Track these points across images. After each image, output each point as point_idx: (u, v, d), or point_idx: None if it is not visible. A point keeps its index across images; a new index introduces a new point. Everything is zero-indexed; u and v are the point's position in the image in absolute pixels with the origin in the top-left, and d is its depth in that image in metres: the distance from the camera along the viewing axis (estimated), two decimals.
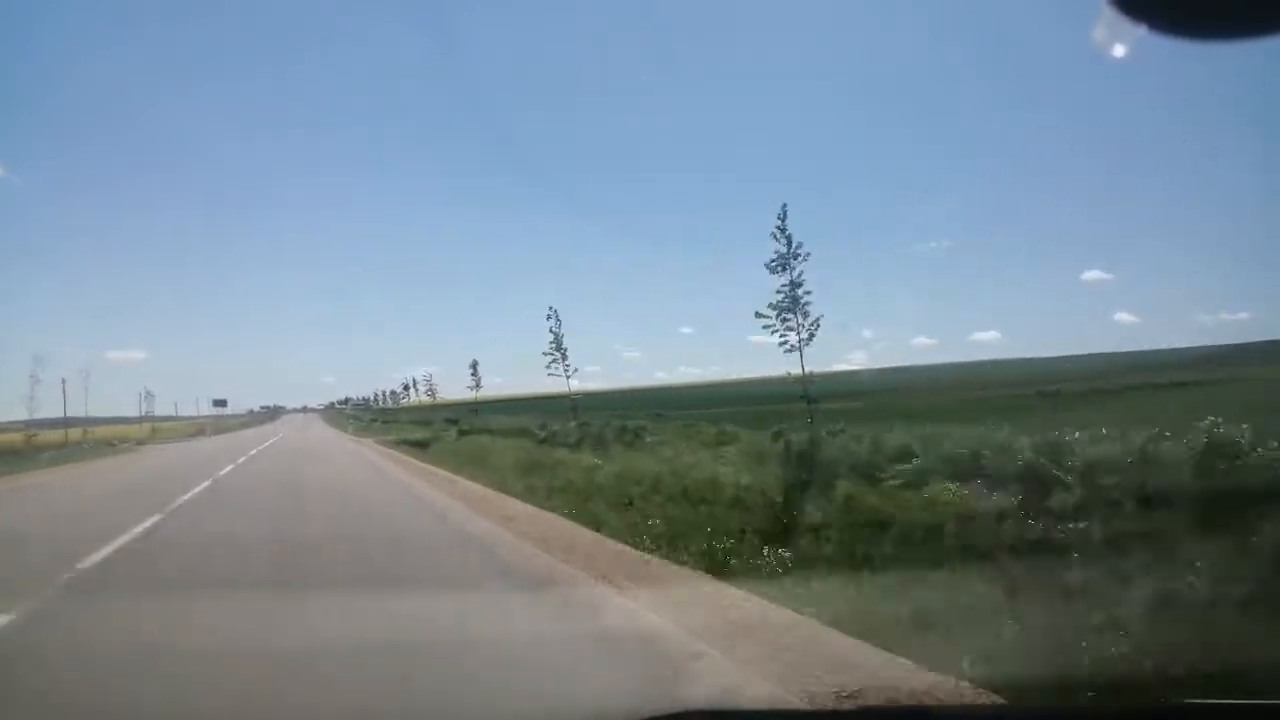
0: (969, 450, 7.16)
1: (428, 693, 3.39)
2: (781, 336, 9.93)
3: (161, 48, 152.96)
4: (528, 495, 10.96)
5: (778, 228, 9.83)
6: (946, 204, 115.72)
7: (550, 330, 19.22)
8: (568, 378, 18.72)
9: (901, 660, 3.39)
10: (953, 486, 6.54)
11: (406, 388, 52.61)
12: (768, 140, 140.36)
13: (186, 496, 12.92)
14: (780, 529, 6.29)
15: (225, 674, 3.65)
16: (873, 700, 2.99)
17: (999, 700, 2.96)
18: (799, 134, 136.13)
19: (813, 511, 6.57)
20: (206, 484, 15.19)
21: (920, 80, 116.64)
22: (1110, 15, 1.21)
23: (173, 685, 3.54)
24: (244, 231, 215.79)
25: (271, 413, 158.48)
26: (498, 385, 50.87)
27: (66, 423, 53.19)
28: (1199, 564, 4.02)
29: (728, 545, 5.88)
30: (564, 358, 18.35)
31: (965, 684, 3.07)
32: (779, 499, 7.26)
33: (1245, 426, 5.78)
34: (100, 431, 47.49)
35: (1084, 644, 3.37)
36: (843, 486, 6.98)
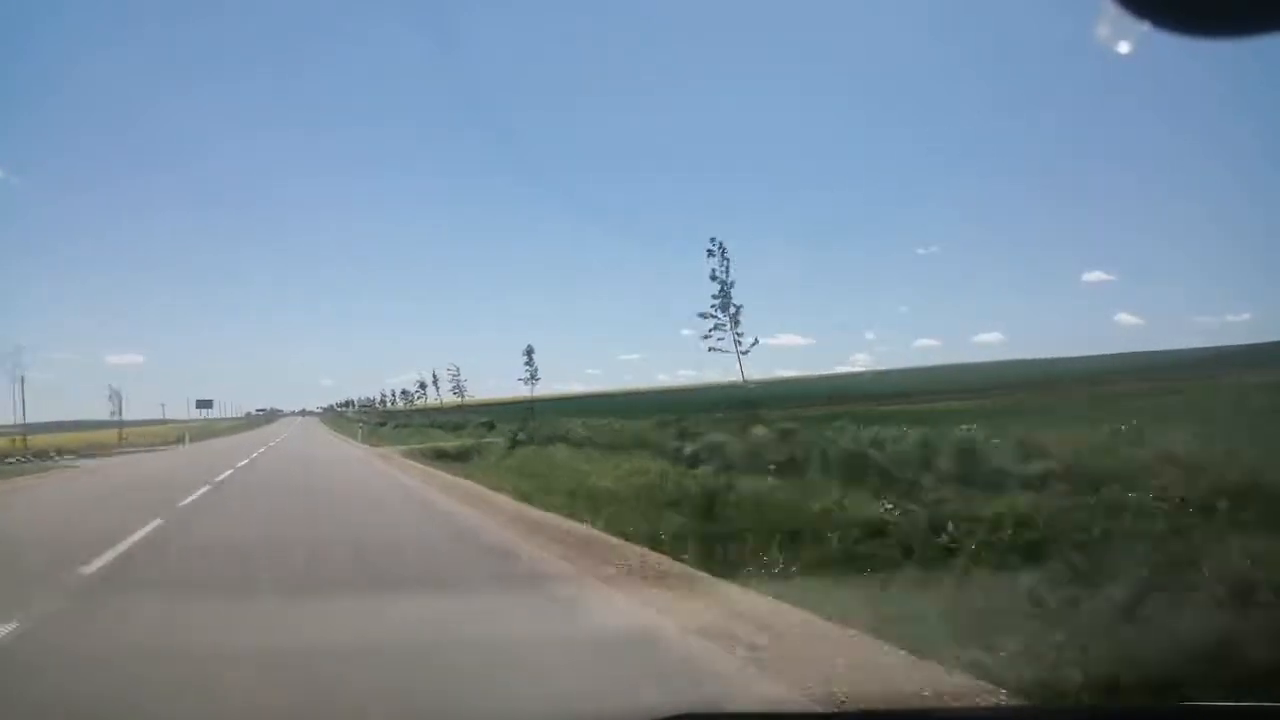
0: None
1: None
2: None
3: (157, 49, 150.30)
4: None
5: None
6: (948, 205, 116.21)
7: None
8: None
9: None
10: None
11: (424, 385, 44.89)
12: (768, 140, 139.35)
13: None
14: None
15: None
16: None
17: (999, 700, 3.04)
18: (799, 134, 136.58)
19: None
20: (104, 561, 7.23)
21: (921, 80, 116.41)
22: (1113, 12, 1.22)
23: None
24: (243, 233, 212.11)
25: (268, 415, 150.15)
26: (492, 389, 44.64)
27: (26, 429, 45.66)
28: None
29: None
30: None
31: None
32: None
33: None
34: (57, 439, 39.54)
35: None
36: None
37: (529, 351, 31.59)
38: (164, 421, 74.49)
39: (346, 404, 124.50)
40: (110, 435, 53.71)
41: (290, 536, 8.89)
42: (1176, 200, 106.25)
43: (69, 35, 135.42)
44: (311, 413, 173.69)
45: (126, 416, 78.10)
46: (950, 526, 5.68)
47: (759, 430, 13.15)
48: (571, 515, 9.19)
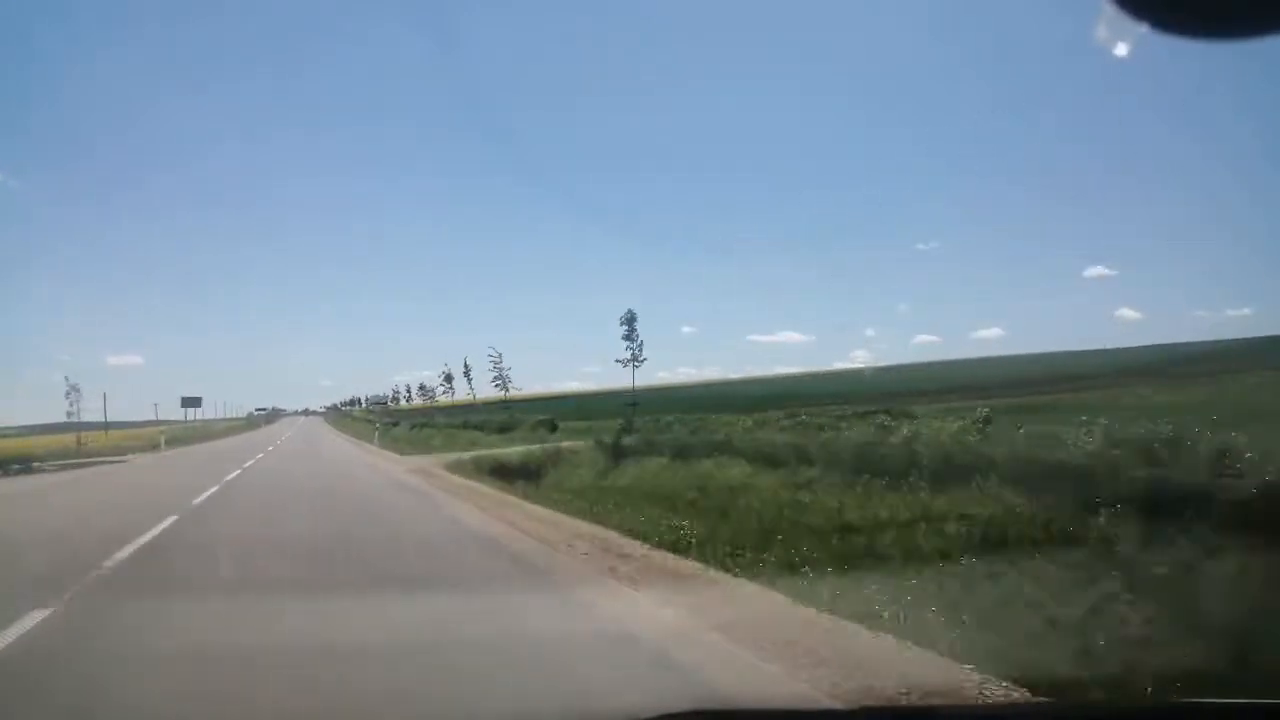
0: None
1: None
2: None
3: (155, 51, 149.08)
4: None
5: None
6: (948, 201, 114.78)
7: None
8: None
9: None
10: None
11: (449, 378, 37.41)
12: (768, 139, 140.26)
13: None
14: None
15: None
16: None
17: (1000, 699, 3.03)
18: (799, 132, 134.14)
19: None
20: None
21: (922, 79, 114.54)
22: (1111, 13, 1.21)
23: None
24: (243, 233, 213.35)
25: (269, 415, 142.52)
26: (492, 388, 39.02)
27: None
28: None
29: None
30: None
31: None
32: None
33: None
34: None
35: None
36: None
37: (629, 321, 23.41)
38: (156, 423, 66.93)
39: (352, 402, 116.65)
40: (91, 438, 46.55)
41: None
42: (1176, 195, 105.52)
43: (67, 38, 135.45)
44: (315, 412, 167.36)
45: (122, 418, 71.30)
46: None
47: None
48: None
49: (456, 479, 15.35)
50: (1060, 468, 6.94)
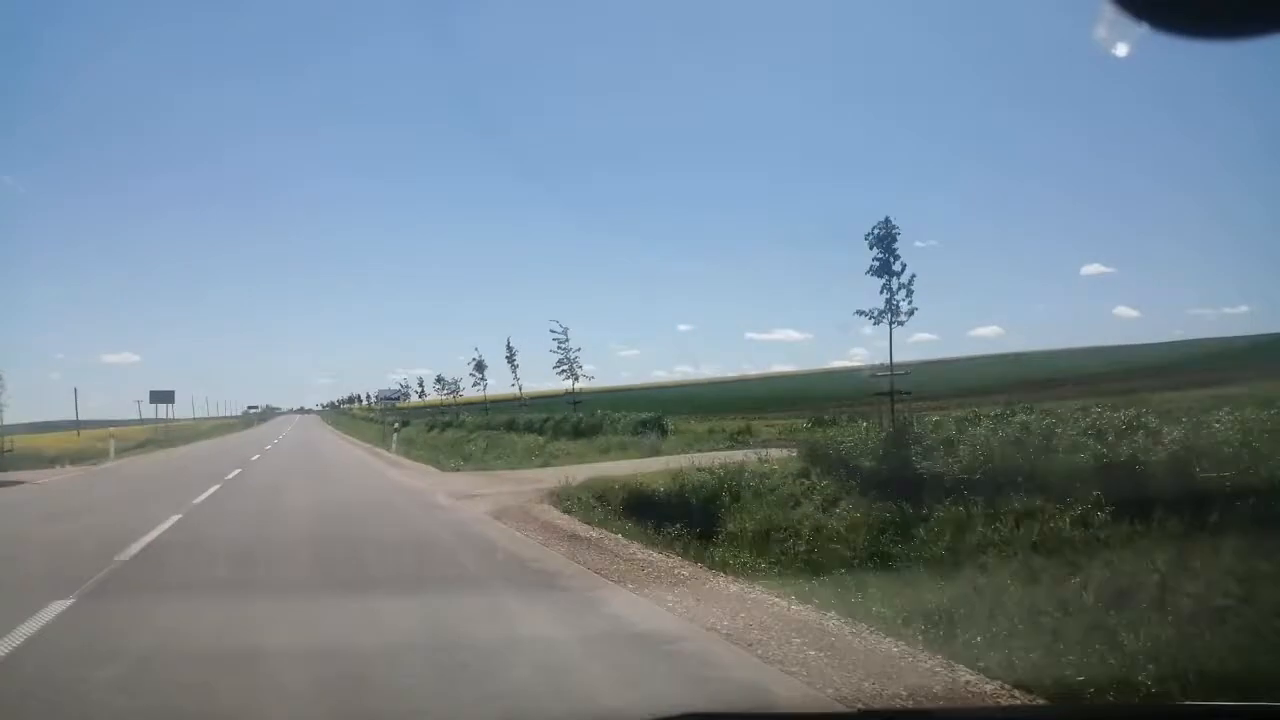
0: None
1: None
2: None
3: (153, 50, 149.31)
4: None
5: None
6: (946, 199, 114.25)
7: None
8: None
9: None
10: None
11: (481, 367, 29.71)
12: (766, 136, 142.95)
13: None
14: None
15: None
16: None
17: (1000, 700, 3.10)
18: (798, 130, 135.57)
19: None
20: None
21: (921, 76, 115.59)
22: (1111, 13, 1.21)
23: None
24: (242, 232, 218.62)
25: (263, 414, 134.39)
26: (492, 386, 34.16)
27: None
28: None
29: None
30: None
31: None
32: None
33: None
34: None
35: None
36: None
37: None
38: (141, 422, 59.69)
39: (351, 399, 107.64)
40: (52, 439, 39.00)
41: None
42: (1175, 194, 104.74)
43: (67, 39, 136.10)
44: (311, 410, 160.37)
45: (119, 416, 63.46)
46: None
47: None
48: None
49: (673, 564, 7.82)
50: None
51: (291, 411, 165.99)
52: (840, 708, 3.07)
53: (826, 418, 14.10)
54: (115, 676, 3.82)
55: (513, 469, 15.44)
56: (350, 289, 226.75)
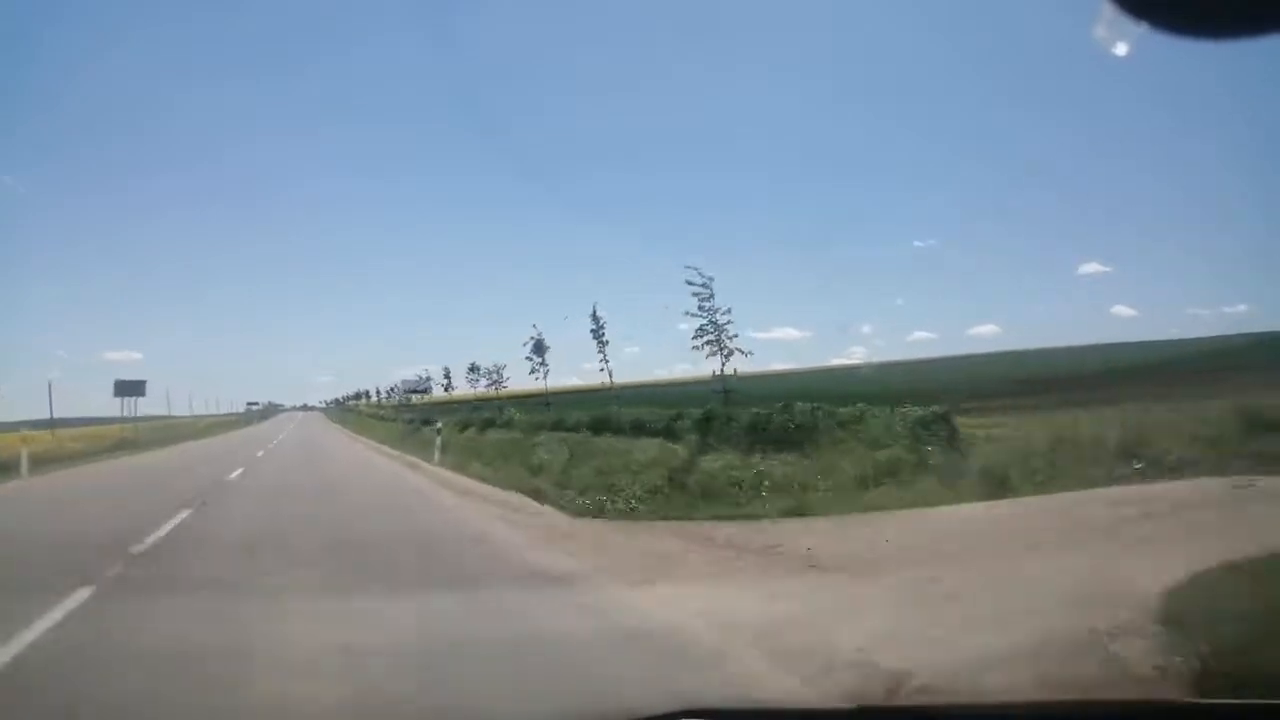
0: None
1: None
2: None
3: (152, 50, 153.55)
4: None
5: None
6: (944, 199, 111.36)
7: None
8: None
9: None
10: None
11: (541, 349, 22.07)
12: (764, 135, 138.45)
13: None
14: None
15: None
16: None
17: (1000, 700, 2.94)
18: (797, 129, 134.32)
19: None
20: None
21: (919, 75, 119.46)
22: (1110, 13, 1.20)
23: None
24: (243, 230, 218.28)
25: (264, 411, 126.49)
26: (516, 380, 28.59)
27: None
28: None
29: None
30: None
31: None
32: None
33: None
34: None
35: None
36: None
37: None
38: (124, 420, 52.14)
39: (357, 395, 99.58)
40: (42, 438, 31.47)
41: None
42: (1173, 193, 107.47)
43: (67, 39, 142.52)
44: (313, 408, 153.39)
45: (117, 414, 56.78)
46: None
47: None
48: None
49: None
50: None
51: (294, 409, 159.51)
52: (839, 704, 2.97)
53: None
54: None
55: (739, 521, 7.72)
56: (351, 288, 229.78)
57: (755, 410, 12.25)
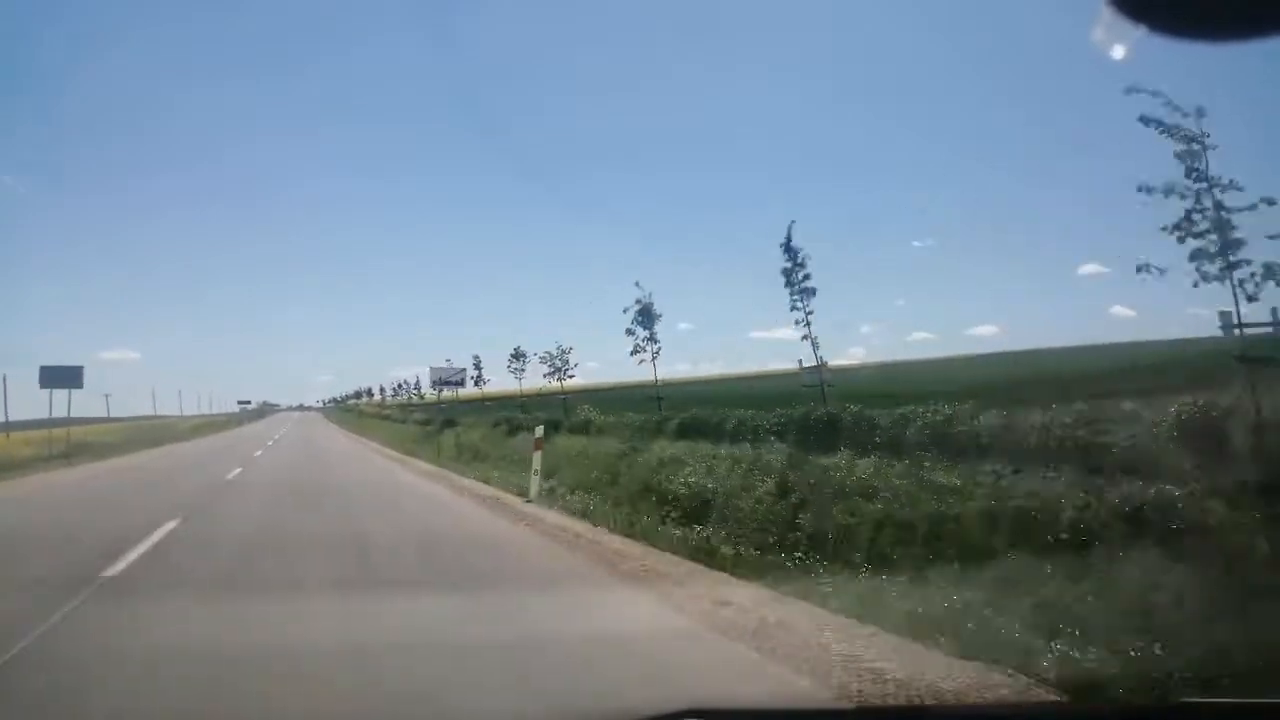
0: None
1: None
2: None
3: (152, 50, 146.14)
4: None
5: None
6: (944, 199, 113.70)
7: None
8: None
9: None
10: None
11: (650, 316, 14.63)
12: (765, 136, 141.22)
13: None
14: None
15: None
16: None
17: (1000, 699, 2.98)
18: (796, 128, 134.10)
19: None
20: None
21: (919, 75, 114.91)
22: (1109, 16, 1.20)
23: None
24: (242, 232, 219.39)
25: (259, 411, 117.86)
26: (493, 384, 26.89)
27: None
28: None
29: None
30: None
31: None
32: None
33: None
34: None
35: None
36: None
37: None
38: (60, 422, 44.48)
39: (358, 394, 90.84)
40: None
41: None
42: (1172, 195, 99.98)
43: (67, 39, 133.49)
44: (310, 408, 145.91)
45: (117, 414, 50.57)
46: None
47: None
48: None
49: None
50: None
51: (290, 409, 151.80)
52: (839, 705, 3.00)
53: None
54: None
55: None
56: (350, 288, 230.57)
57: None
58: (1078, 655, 3.42)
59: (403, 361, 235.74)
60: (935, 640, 3.78)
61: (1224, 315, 6.06)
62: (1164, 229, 6.16)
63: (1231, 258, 6.02)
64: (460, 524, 9.21)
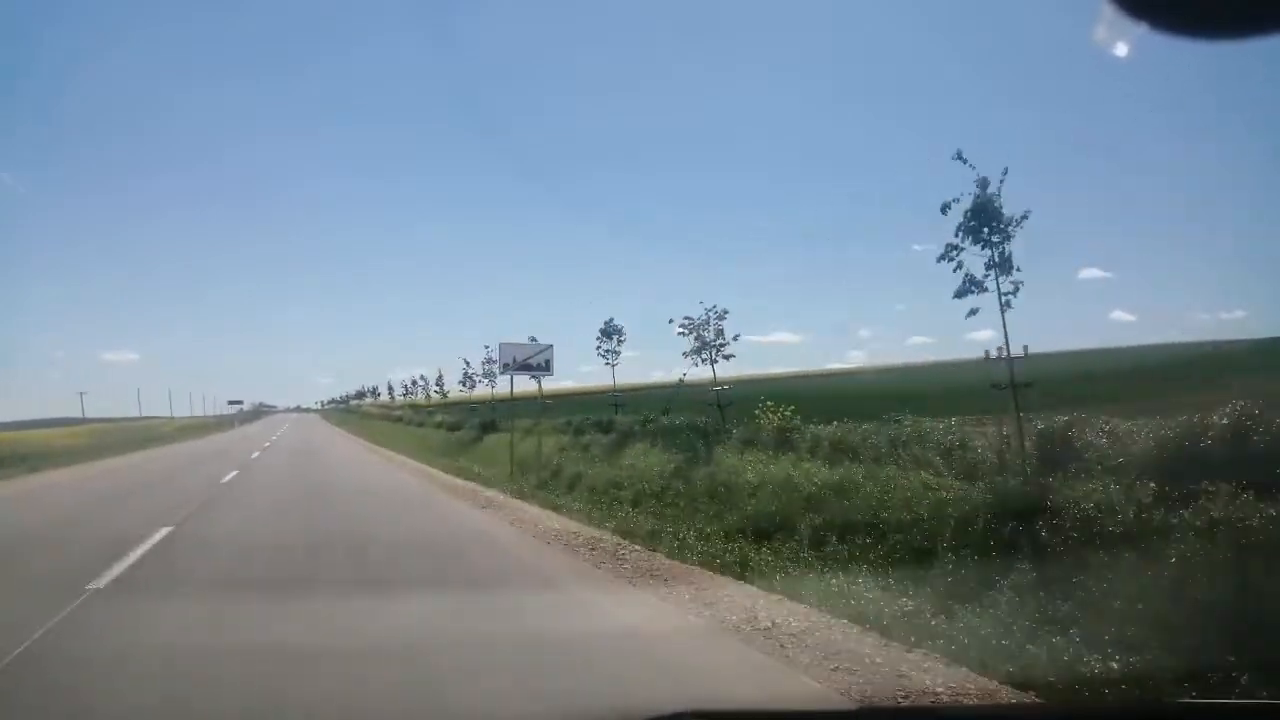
0: None
1: None
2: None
3: (153, 50, 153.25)
4: None
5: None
6: (944, 199, 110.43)
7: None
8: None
9: None
10: None
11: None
12: (764, 137, 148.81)
13: None
14: None
15: None
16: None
17: (1001, 699, 3.00)
18: (796, 131, 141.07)
19: None
20: None
21: (919, 78, 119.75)
22: (1110, 14, 1.21)
23: None
24: (243, 232, 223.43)
25: (255, 412, 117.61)
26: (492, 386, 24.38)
27: None
28: None
29: None
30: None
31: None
32: None
33: None
34: None
35: None
36: None
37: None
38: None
39: (360, 394, 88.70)
40: None
41: None
42: (1172, 197, 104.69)
43: (67, 39, 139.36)
44: (308, 410, 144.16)
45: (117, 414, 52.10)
46: None
47: None
48: None
49: None
50: None
51: (287, 410, 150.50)
52: (844, 704, 2.97)
53: None
54: None
55: None
56: (350, 288, 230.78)
57: None
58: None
59: (403, 362, 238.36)
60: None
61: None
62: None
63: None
64: None
